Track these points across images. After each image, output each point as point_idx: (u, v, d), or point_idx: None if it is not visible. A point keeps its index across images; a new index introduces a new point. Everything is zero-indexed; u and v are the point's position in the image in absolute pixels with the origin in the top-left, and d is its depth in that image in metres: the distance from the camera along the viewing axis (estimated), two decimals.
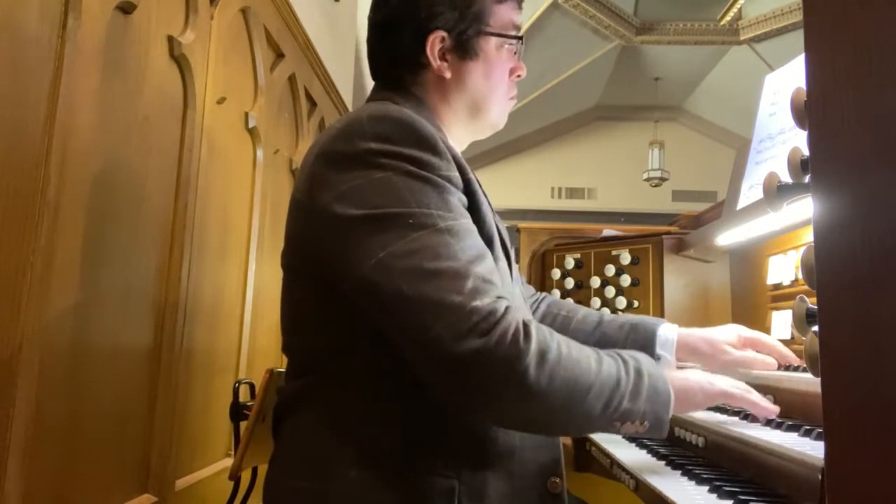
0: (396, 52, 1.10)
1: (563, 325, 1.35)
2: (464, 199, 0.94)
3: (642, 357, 0.95)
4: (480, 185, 1.01)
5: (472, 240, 0.89)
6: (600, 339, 1.30)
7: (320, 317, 0.97)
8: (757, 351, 1.24)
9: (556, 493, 0.95)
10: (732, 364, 1.21)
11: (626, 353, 0.94)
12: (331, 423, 0.94)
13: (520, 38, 1.12)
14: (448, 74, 1.08)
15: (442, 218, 0.87)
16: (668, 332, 1.27)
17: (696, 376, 1.01)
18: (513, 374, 0.81)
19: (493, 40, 1.10)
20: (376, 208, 0.86)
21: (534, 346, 0.82)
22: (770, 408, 1.03)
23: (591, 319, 1.35)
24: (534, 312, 1.39)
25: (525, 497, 0.93)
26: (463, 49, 1.08)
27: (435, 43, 1.07)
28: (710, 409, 1.23)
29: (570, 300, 1.50)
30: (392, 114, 0.93)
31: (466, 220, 0.91)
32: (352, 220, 0.87)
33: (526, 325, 0.84)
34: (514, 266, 1.16)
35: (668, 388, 0.92)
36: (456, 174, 0.93)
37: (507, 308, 0.84)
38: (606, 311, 1.42)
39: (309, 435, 0.96)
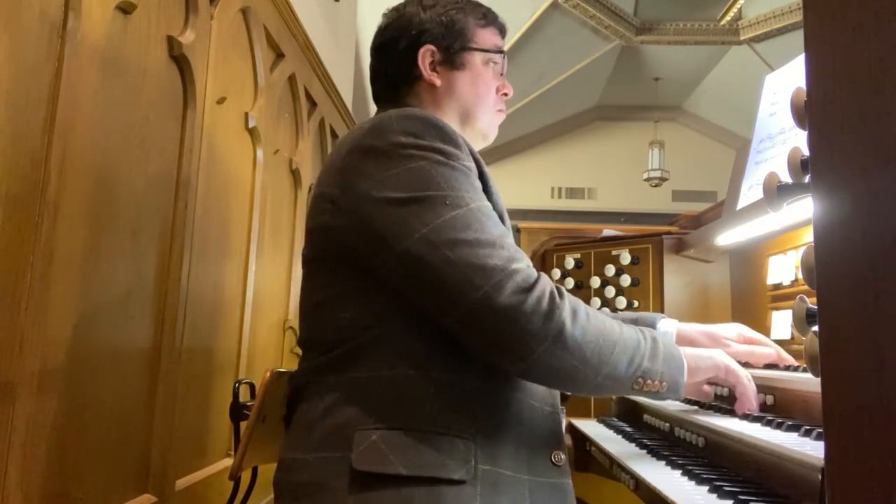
0: (393, 68, 1.23)
1: None
2: (480, 183, 1.04)
3: (654, 331, 1.07)
4: (491, 177, 1.11)
5: (496, 219, 1.01)
6: None
7: (344, 295, 1.04)
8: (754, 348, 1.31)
9: (560, 466, 1.03)
10: (733, 355, 1.25)
11: (641, 327, 1.05)
12: (350, 394, 0.99)
13: (501, 52, 1.25)
14: (438, 83, 1.21)
15: (472, 199, 0.98)
16: (667, 325, 1.34)
17: (707, 350, 1.15)
18: (553, 325, 0.92)
19: (479, 55, 1.23)
20: (414, 192, 0.97)
21: (567, 304, 0.94)
22: (752, 402, 1.14)
23: None
24: None
25: (533, 464, 1.00)
26: (451, 61, 1.21)
27: (425, 55, 1.21)
28: (709, 408, 1.23)
29: None
30: (417, 113, 1.05)
31: (489, 204, 1.02)
32: (392, 203, 0.97)
33: (559, 287, 0.97)
34: None
35: (681, 354, 1.05)
36: (472, 164, 1.04)
37: (539, 273, 0.97)
38: (606, 309, 1.44)
39: (328, 408, 1.00)
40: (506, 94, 1.27)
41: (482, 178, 1.05)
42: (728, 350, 1.25)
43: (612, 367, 0.96)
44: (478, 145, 1.27)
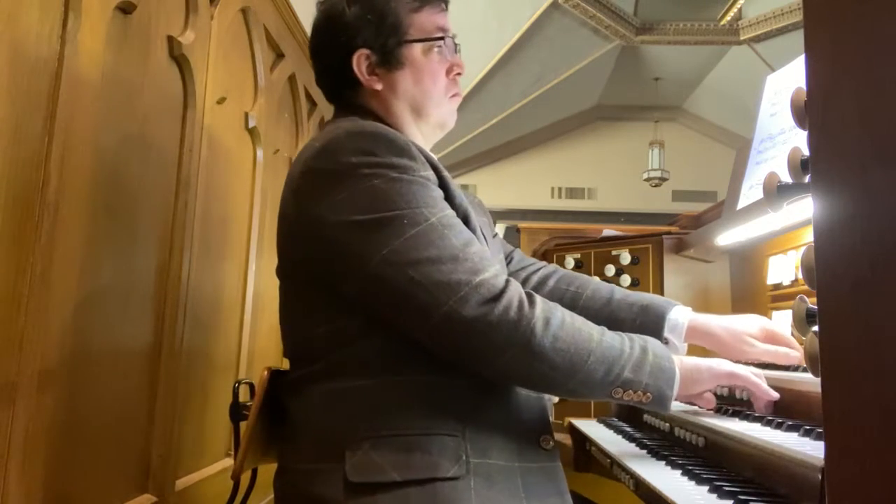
0: (331, 75, 1.18)
1: (570, 303, 1.32)
2: (440, 191, 1.02)
3: (652, 339, 1.03)
4: (450, 179, 1.08)
5: (460, 227, 0.99)
6: (608, 319, 1.27)
7: (318, 311, 1.03)
8: (780, 346, 1.22)
9: (549, 450, 1.03)
10: (756, 357, 1.20)
11: (637, 335, 1.02)
12: (338, 404, 1.00)
13: (441, 38, 1.15)
14: (379, 86, 1.14)
15: (432, 213, 0.96)
16: (678, 315, 1.25)
17: (708, 360, 1.09)
18: (520, 333, 0.92)
19: (418, 46, 1.14)
20: (371, 213, 0.95)
21: (538, 312, 0.93)
22: (771, 393, 1.08)
23: (600, 296, 1.32)
24: (540, 287, 1.38)
25: (523, 451, 1.01)
26: (388, 61, 1.13)
27: (360, 60, 1.13)
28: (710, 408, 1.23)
29: (582, 275, 1.40)
30: (367, 128, 1.01)
31: (451, 212, 1.00)
32: (348, 226, 0.95)
33: (530, 295, 0.95)
34: (493, 235, 1.25)
35: (674, 367, 1.00)
36: (430, 173, 1.01)
37: (507, 280, 0.95)
38: (618, 289, 1.34)
39: (318, 419, 1.01)
40: (459, 74, 1.18)
41: (442, 183, 1.03)
42: (752, 350, 1.20)
43: (585, 374, 0.94)
44: (436, 136, 1.23)
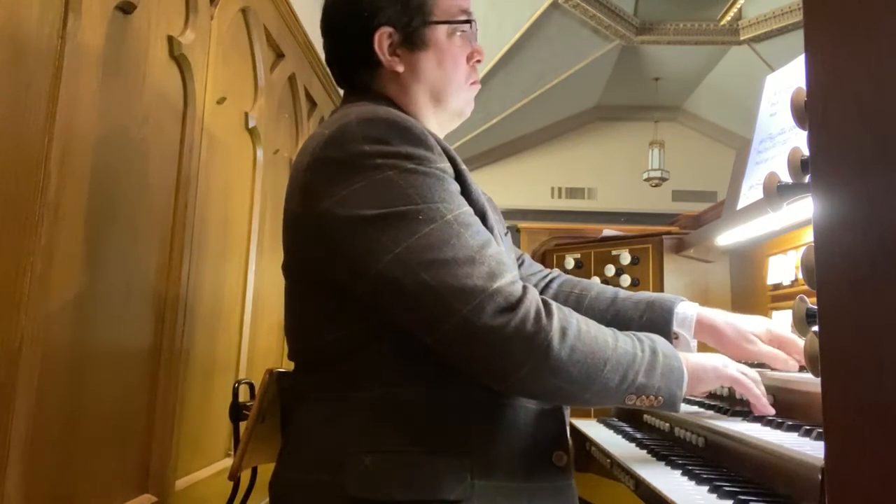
0: (348, 54, 1.11)
1: (576, 304, 1.30)
2: (457, 185, 0.96)
3: (658, 338, 0.99)
4: (468, 172, 1.03)
5: (477, 226, 0.93)
6: (615, 318, 1.25)
7: (326, 317, 0.99)
8: (782, 350, 1.19)
9: (561, 467, 0.98)
10: (755, 356, 1.18)
11: (643, 334, 0.98)
12: (340, 414, 0.96)
13: (468, 21, 1.10)
14: (401, 68, 1.08)
15: (448, 209, 0.90)
16: (686, 309, 1.22)
17: (712, 359, 1.06)
18: (538, 347, 0.86)
19: (442, 28, 1.08)
20: (383, 208, 0.88)
21: (556, 322, 0.88)
22: (767, 408, 1.07)
23: (605, 297, 1.30)
24: (544, 290, 1.35)
25: (532, 470, 0.96)
26: (411, 41, 1.07)
27: (382, 39, 1.07)
28: (709, 408, 1.23)
29: (584, 279, 1.40)
30: (380, 114, 0.95)
31: (468, 208, 0.94)
32: (359, 221, 0.89)
33: (546, 303, 0.90)
34: (505, 234, 1.19)
35: (682, 366, 0.97)
36: (447, 164, 0.96)
37: (525, 287, 0.90)
38: (620, 291, 1.33)
39: (320, 429, 0.98)
40: (478, 61, 1.14)
41: (459, 177, 0.97)
42: (753, 349, 1.17)
43: (601, 384, 0.90)
44: (452, 125, 1.18)
